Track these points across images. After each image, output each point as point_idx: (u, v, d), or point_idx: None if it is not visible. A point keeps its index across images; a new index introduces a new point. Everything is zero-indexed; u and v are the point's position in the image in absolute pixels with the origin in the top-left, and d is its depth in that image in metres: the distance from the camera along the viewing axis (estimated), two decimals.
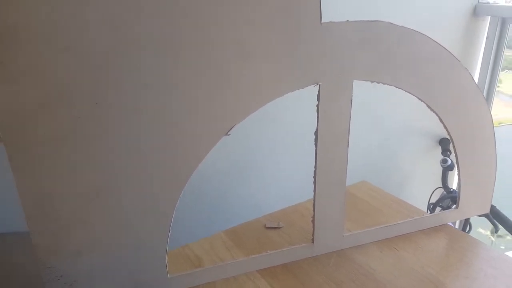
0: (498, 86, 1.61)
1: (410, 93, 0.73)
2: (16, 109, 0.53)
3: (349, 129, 0.71)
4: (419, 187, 1.70)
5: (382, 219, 0.91)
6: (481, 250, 0.81)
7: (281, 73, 0.64)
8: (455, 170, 1.54)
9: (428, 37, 0.70)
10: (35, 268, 0.60)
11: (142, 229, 0.64)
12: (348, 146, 0.72)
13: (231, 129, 0.64)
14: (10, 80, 0.51)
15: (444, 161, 1.52)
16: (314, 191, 0.73)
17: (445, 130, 0.78)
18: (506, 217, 1.31)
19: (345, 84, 0.68)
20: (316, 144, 0.71)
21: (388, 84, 0.71)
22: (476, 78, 1.60)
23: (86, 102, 0.55)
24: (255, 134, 1.25)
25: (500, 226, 1.33)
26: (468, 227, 1.44)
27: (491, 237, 2.25)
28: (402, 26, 0.68)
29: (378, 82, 0.70)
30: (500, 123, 2.49)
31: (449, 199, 1.48)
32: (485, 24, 1.55)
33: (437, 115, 0.76)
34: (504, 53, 1.55)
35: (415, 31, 0.69)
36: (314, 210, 0.75)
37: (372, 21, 0.66)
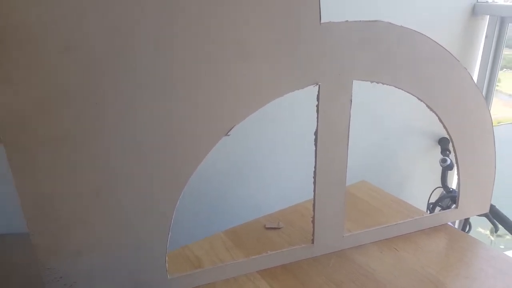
0: (497, 85, 1.61)
1: (410, 93, 0.73)
2: (16, 109, 0.52)
3: (349, 129, 0.71)
4: (419, 187, 1.70)
5: (382, 219, 0.91)
6: (481, 249, 0.81)
7: (281, 73, 0.64)
8: (455, 170, 1.54)
9: (427, 37, 0.70)
10: (35, 269, 0.60)
11: (142, 230, 0.64)
12: (348, 146, 0.72)
13: (231, 129, 0.64)
14: (10, 80, 0.51)
15: (443, 161, 1.52)
16: (314, 191, 0.73)
17: (444, 129, 0.78)
18: (505, 216, 1.31)
19: (344, 84, 0.68)
20: (316, 144, 0.71)
21: (387, 84, 0.71)
22: (475, 77, 1.60)
23: (86, 102, 0.55)
24: (255, 134, 1.25)
25: (499, 226, 1.33)
26: (467, 226, 1.44)
27: (491, 236, 2.25)
28: (401, 26, 0.68)
29: (377, 82, 0.70)
30: (499, 122, 2.49)
31: (449, 198, 1.48)
32: (484, 23, 1.55)
33: (437, 114, 0.76)
34: (503, 52, 1.55)
35: (415, 31, 0.69)
36: (314, 210, 0.75)
37: (371, 21, 0.66)
